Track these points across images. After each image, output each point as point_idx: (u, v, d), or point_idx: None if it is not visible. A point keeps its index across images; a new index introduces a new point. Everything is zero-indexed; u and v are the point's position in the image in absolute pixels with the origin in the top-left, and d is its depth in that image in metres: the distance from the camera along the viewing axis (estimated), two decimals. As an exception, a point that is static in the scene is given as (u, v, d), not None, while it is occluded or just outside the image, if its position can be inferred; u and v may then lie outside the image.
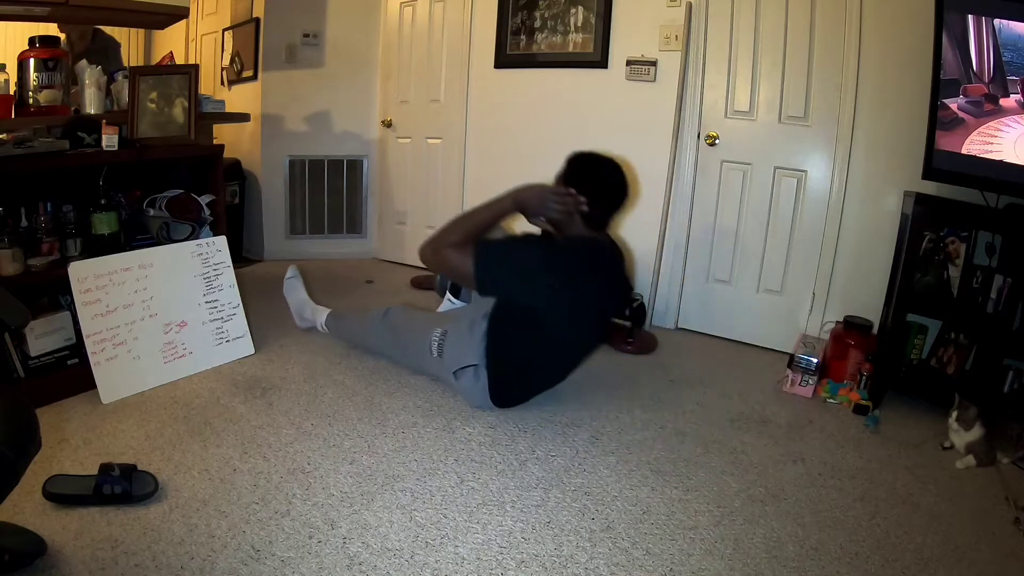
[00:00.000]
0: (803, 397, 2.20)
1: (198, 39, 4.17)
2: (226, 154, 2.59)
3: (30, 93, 2.05)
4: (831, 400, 2.17)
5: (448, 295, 2.22)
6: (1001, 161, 1.97)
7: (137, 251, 2.01)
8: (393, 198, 3.78)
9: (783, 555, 1.38)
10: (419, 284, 3.31)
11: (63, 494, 1.39)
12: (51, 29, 2.60)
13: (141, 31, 4.06)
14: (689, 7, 2.63)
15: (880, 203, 2.42)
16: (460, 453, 1.72)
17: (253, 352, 2.26)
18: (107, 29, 3.03)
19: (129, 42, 4.18)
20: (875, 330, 2.36)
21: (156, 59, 4.10)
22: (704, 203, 2.77)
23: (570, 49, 2.98)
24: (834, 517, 1.53)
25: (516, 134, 3.20)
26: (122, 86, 2.26)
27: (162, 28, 3.16)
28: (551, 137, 3.00)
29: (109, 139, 2.02)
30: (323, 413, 1.90)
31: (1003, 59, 1.92)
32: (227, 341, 2.19)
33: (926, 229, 2.09)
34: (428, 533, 1.38)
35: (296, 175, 3.74)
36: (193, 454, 1.63)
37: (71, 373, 1.91)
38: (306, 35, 3.59)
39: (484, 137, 3.36)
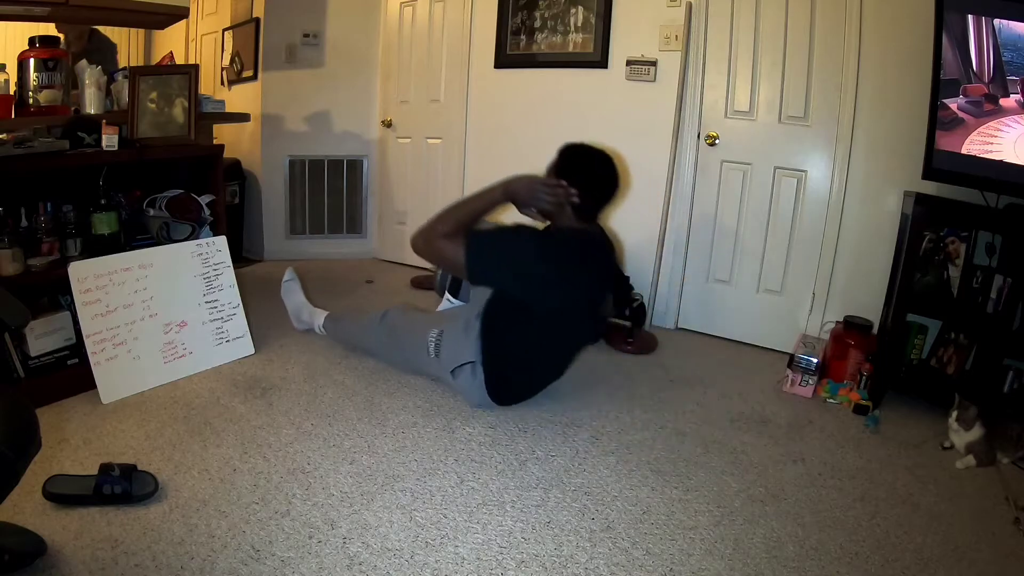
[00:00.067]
0: (803, 397, 2.20)
1: (198, 39, 4.17)
2: (226, 154, 2.59)
3: (30, 93, 2.05)
4: (831, 400, 2.17)
5: (447, 295, 2.22)
6: (1001, 161, 1.97)
7: (137, 251, 2.01)
8: (393, 198, 3.78)
9: (783, 555, 1.38)
10: (419, 284, 3.31)
11: (63, 494, 1.39)
12: (51, 29, 2.61)
13: (141, 31, 4.06)
14: (689, 7, 2.63)
15: (880, 203, 2.42)
16: (460, 453, 1.72)
17: (253, 352, 2.26)
18: (105, 31, 3.03)
19: (129, 42, 4.19)
20: (875, 330, 2.36)
21: (156, 59, 4.10)
22: (704, 203, 2.77)
23: (570, 49, 2.98)
24: (834, 517, 1.53)
25: (516, 134, 3.20)
26: (122, 86, 2.26)
27: (162, 28, 3.16)
28: (551, 137, 2.97)
29: (109, 139, 2.02)
30: (323, 413, 1.90)
31: (1003, 59, 1.92)
32: (227, 341, 2.19)
33: (926, 229, 2.09)
34: (428, 533, 1.38)
35: (296, 175, 3.74)
36: (193, 454, 1.63)
37: (71, 373, 1.91)
38: (306, 35, 3.59)
39: (484, 137, 3.36)
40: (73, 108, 2.16)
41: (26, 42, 2.07)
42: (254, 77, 3.61)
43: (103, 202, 2.02)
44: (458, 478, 1.60)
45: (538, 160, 1.99)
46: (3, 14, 2.20)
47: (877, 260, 2.42)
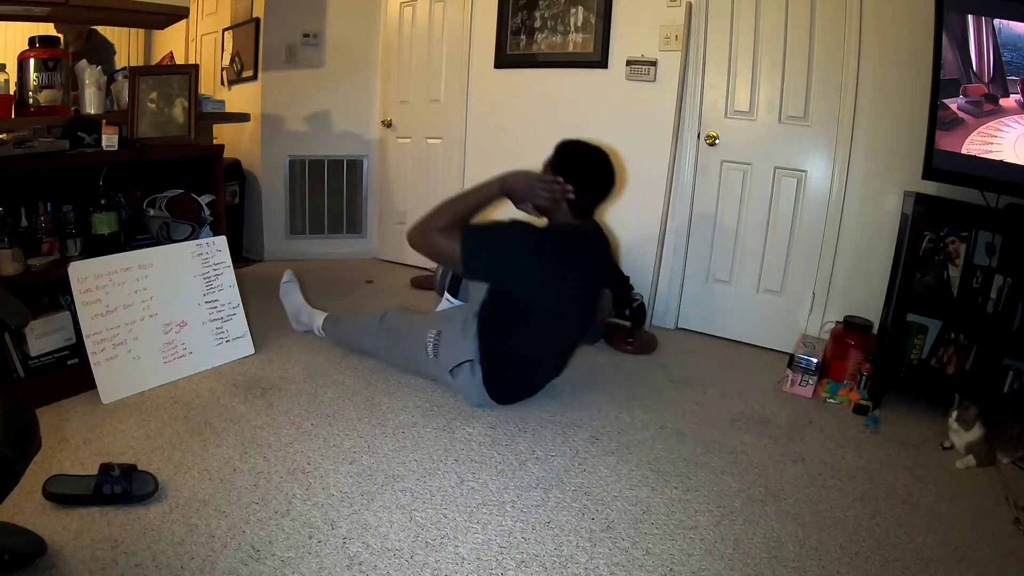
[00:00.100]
0: (803, 397, 2.20)
1: (198, 39, 4.17)
2: (226, 154, 2.59)
3: (30, 93, 2.05)
4: (831, 400, 2.17)
5: (446, 295, 2.22)
6: (1001, 161, 1.97)
7: (137, 251, 2.01)
8: (393, 198, 3.78)
9: (783, 555, 1.38)
10: (419, 284, 3.31)
11: (63, 494, 1.39)
12: (51, 29, 2.61)
13: (141, 31, 4.06)
14: (689, 7, 2.63)
15: (880, 203, 2.42)
16: (460, 453, 1.72)
17: (253, 352, 2.26)
18: (104, 31, 3.03)
19: (129, 42, 4.19)
20: (875, 330, 2.36)
21: (156, 59, 4.10)
22: (704, 203, 2.77)
23: (570, 49, 2.98)
24: (834, 517, 1.53)
25: (516, 134, 3.20)
26: (122, 86, 2.26)
27: (162, 28, 3.16)
28: (551, 137, 2.97)
29: (109, 139, 2.02)
30: (323, 413, 1.90)
31: (1003, 59, 1.92)
32: (227, 341, 2.19)
33: (926, 229, 2.09)
34: (428, 533, 1.38)
35: (296, 175, 3.74)
36: (193, 454, 1.63)
37: (71, 373, 1.90)
38: (306, 35, 3.59)
39: (484, 137, 3.36)
40: (73, 108, 2.16)
41: (26, 42, 2.07)
42: (254, 77, 3.61)
43: (103, 202, 2.02)
44: (458, 478, 1.60)
45: (538, 160, 1.99)
46: (3, 14, 2.20)
47: (877, 260, 2.42)
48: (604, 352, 2.54)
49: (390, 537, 1.36)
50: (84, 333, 1.85)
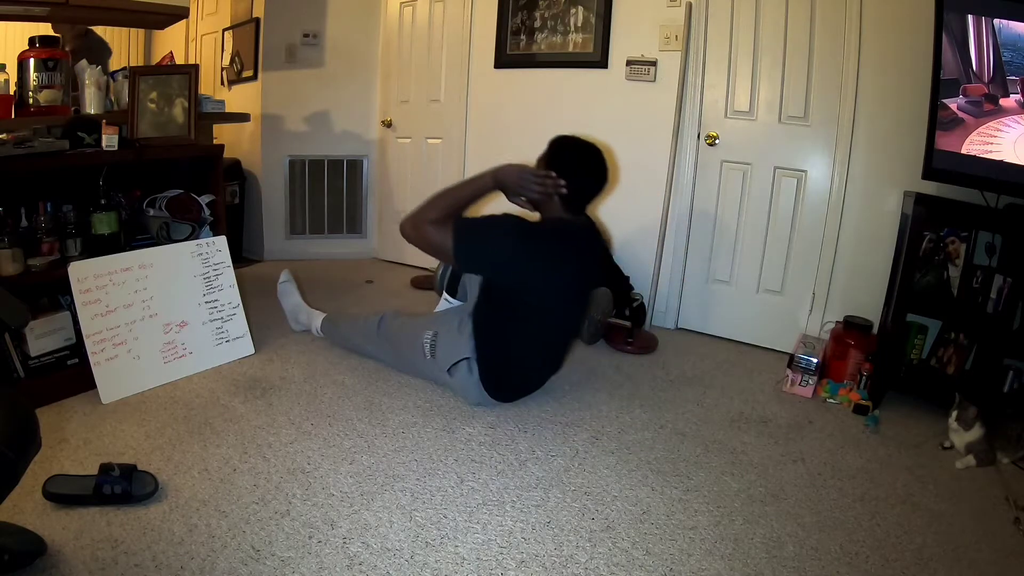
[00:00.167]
0: (803, 397, 2.20)
1: (198, 39, 4.16)
2: (226, 154, 2.59)
3: (30, 93, 2.05)
4: (831, 400, 2.17)
5: (445, 294, 2.22)
6: (1001, 161, 1.97)
7: (137, 251, 2.01)
8: (393, 198, 3.78)
9: (783, 555, 1.38)
10: (419, 284, 3.31)
11: (63, 494, 1.39)
12: (51, 29, 2.61)
13: (141, 31, 4.06)
14: (689, 7, 2.63)
15: (880, 203, 2.42)
16: (460, 453, 1.72)
17: (253, 352, 2.26)
18: (105, 31, 3.03)
19: (129, 42, 4.19)
20: (875, 330, 2.36)
21: (156, 59, 4.10)
22: (704, 203, 2.77)
23: (570, 49, 2.98)
24: (834, 517, 1.53)
25: (516, 134, 3.19)
26: (122, 86, 2.26)
27: (162, 28, 3.16)
28: (551, 137, 3.00)
29: (109, 139, 2.02)
30: (323, 413, 1.90)
31: (1003, 59, 1.92)
32: (227, 341, 2.19)
33: (926, 229, 2.09)
34: (428, 533, 1.38)
35: (296, 175, 3.74)
36: (193, 454, 1.63)
37: (71, 373, 1.90)
38: (306, 35, 3.59)
39: (484, 137, 3.36)
40: (73, 108, 2.16)
41: (26, 42, 2.07)
42: (254, 77, 3.61)
43: (103, 202, 2.02)
44: (458, 478, 1.60)
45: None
46: (3, 14, 2.20)
47: (877, 260, 2.42)
48: (604, 352, 2.54)
49: (390, 537, 1.36)
50: (84, 333, 1.85)
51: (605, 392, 2.17)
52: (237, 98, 3.69)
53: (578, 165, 1.91)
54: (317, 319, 2.42)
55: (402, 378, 2.15)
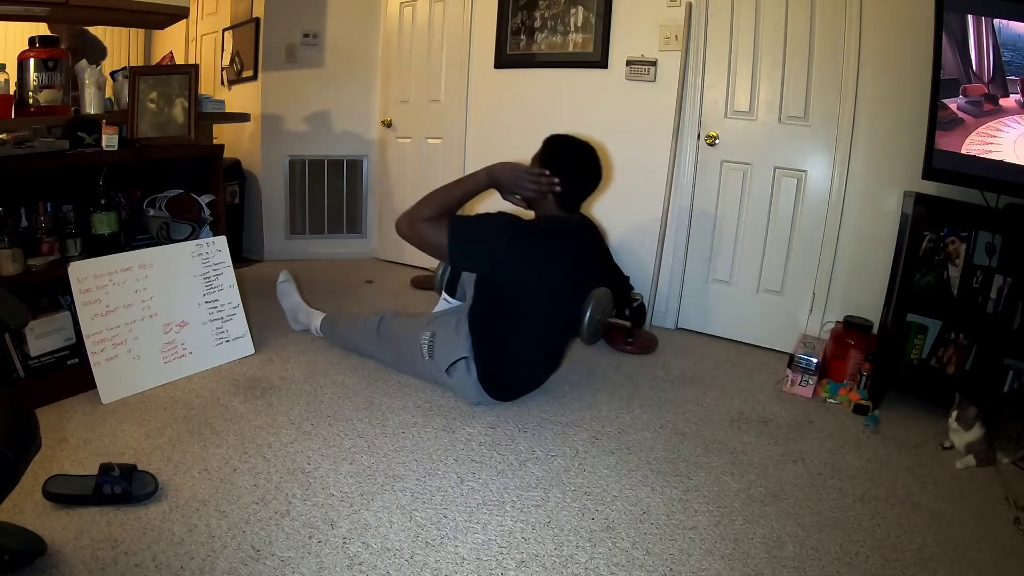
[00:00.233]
0: (803, 397, 2.20)
1: (198, 39, 4.16)
2: (226, 154, 2.59)
3: (30, 93, 2.05)
4: (831, 400, 2.17)
5: (444, 294, 2.23)
6: (1001, 161, 1.97)
7: (137, 251, 2.01)
8: (393, 198, 3.78)
9: (783, 555, 1.38)
10: (419, 284, 3.31)
11: (63, 494, 1.39)
12: (46, 28, 2.60)
13: (141, 31, 4.06)
14: (689, 7, 2.63)
15: (880, 203, 2.42)
16: (460, 453, 1.72)
17: (253, 352, 2.26)
18: (105, 31, 3.03)
19: (129, 42, 4.19)
20: (875, 330, 2.36)
21: (156, 59, 4.10)
22: (704, 203, 2.77)
23: (570, 49, 2.98)
24: (834, 517, 1.53)
25: (516, 134, 3.19)
26: (122, 86, 2.26)
27: (162, 28, 3.16)
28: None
29: (109, 139, 2.02)
30: (323, 413, 1.90)
31: (1003, 59, 1.92)
32: (227, 341, 2.19)
33: (926, 229, 2.09)
34: (428, 533, 1.38)
35: (296, 175, 3.74)
36: (193, 454, 1.63)
37: (71, 373, 1.90)
38: (306, 35, 3.59)
39: (484, 137, 3.36)
40: (73, 108, 2.16)
41: (26, 42, 2.07)
42: (254, 77, 3.61)
43: (103, 202, 2.02)
44: (458, 478, 1.60)
45: (538, 160, 2.00)
46: (3, 14, 2.20)
47: (877, 260, 2.42)
48: (604, 352, 2.54)
49: (390, 537, 1.36)
50: (84, 333, 1.85)
51: (605, 392, 2.17)
52: (237, 98, 3.69)
53: (572, 163, 1.92)
54: (316, 319, 2.42)
55: (402, 378, 2.15)
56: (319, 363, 2.25)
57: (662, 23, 2.71)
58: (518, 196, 1.92)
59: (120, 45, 4.12)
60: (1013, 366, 2.03)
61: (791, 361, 2.24)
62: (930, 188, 2.20)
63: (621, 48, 2.85)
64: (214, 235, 2.27)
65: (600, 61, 2.89)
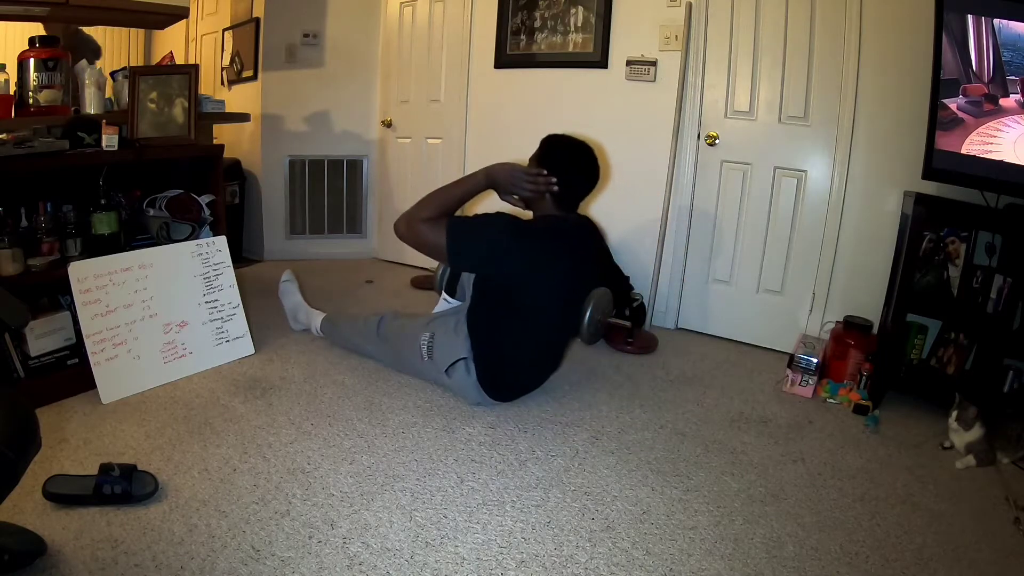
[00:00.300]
0: (803, 397, 2.20)
1: (198, 39, 4.16)
2: (226, 154, 2.59)
3: (30, 93, 2.05)
4: (831, 400, 2.17)
5: (444, 295, 2.23)
6: (1001, 161, 1.97)
7: (137, 251, 2.01)
8: (393, 198, 3.78)
9: (783, 555, 1.38)
10: (419, 284, 3.31)
11: (63, 494, 1.39)
12: (51, 28, 2.60)
13: (141, 31, 4.06)
14: (689, 7, 2.63)
15: (880, 203, 2.42)
16: (460, 453, 1.72)
17: (253, 352, 2.26)
18: (104, 30, 3.03)
19: (129, 42, 4.19)
20: (875, 330, 2.36)
21: (156, 59, 4.10)
22: (704, 203, 2.77)
23: (570, 49, 2.98)
24: (834, 517, 1.53)
25: (516, 134, 3.18)
26: (122, 86, 2.26)
27: (162, 28, 3.16)
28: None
29: (109, 139, 2.02)
30: (323, 413, 1.90)
31: (1003, 59, 1.92)
32: (227, 341, 2.19)
33: (926, 229, 2.09)
34: (428, 533, 1.38)
35: (296, 175, 3.74)
36: (193, 454, 1.63)
37: (71, 373, 1.90)
38: (306, 35, 3.59)
39: (484, 137, 3.36)
40: (73, 108, 2.16)
41: (26, 42, 2.07)
42: (254, 77, 3.61)
43: (103, 202, 2.02)
44: (458, 478, 1.60)
45: (538, 160, 2.00)
46: (3, 14, 2.20)
47: (877, 260, 2.42)
48: (604, 352, 2.54)
49: (390, 537, 1.36)
50: (84, 333, 1.85)
51: (605, 392, 2.17)
52: (237, 98, 3.69)
53: (569, 163, 1.93)
54: (317, 319, 2.42)
55: (402, 378, 2.15)
56: (319, 363, 2.25)
57: (662, 23, 2.71)
58: (516, 196, 1.93)
59: (120, 45, 4.12)
60: (1013, 366, 2.03)
61: (791, 361, 2.24)
62: (930, 188, 2.20)
63: (621, 48, 2.85)
64: (214, 235, 2.27)
65: (600, 61, 2.89)
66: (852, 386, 2.19)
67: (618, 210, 2.92)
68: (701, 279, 2.84)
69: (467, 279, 2.08)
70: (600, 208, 2.92)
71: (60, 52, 2.10)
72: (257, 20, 3.55)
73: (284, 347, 2.36)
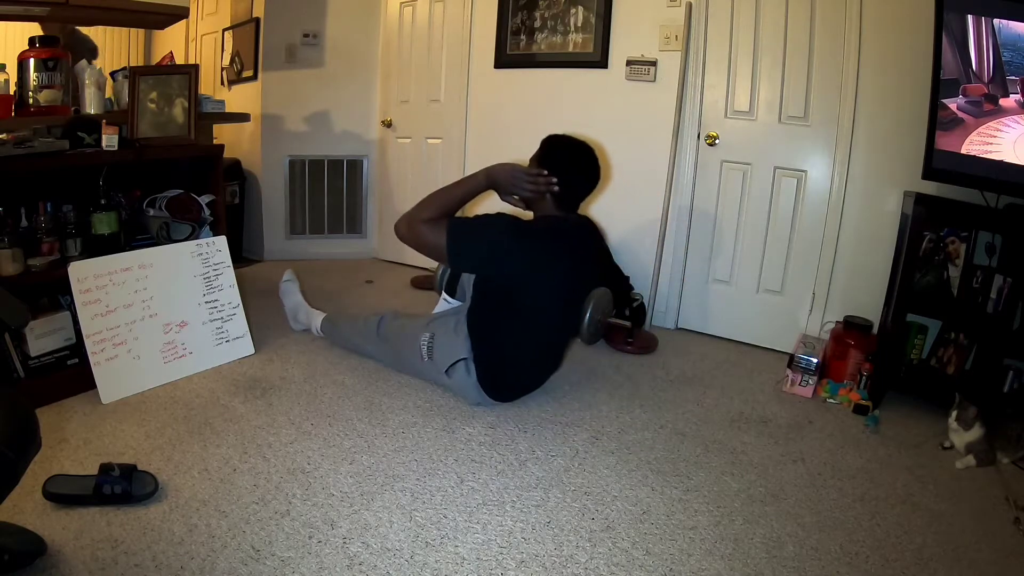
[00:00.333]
0: (803, 397, 2.20)
1: (198, 39, 4.16)
2: (226, 154, 2.59)
3: (30, 93, 2.05)
4: (831, 400, 2.17)
5: (444, 295, 2.23)
6: (1001, 161, 1.97)
7: (137, 251, 2.01)
8: (393, 198, 3.78)
9: (783, 555, 1.38)
10: (419, 284, 3.31)
11: (63, 494, 1.39)
12: (50, 29, 2.60)
13: (141, 31, 4.06)
14: (689, 7, 2.63)
15: (880, 203, 2.42)
16: (460, 453, 1.72)
17: (253, 352, 2.26)
18: (105, 32, 3.03)
19: (129, 42, 4.19)
20: (875, 330, 2.36)
21: (156, 59, 4.10)
22: (704, 203, 2.77)
23: (570, 49, 2.98)
24: (834, 517, 1.53)
25: (516, 134, 3.19)
26: (122, 86, 2.26)
27: (162, 28, 3.16)
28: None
29: (109, 139, 2.02)
30: (323, 413, 1.90)
31: (1003, 59, 1.92)
32: (227, 341, 2.19)
33: (926, 229, 2.09)
34: (428, 533, 1.38)
35: (296, 175, 3.74)
36: (193, 454, 1.63)
37: (71, 373, 1.90)
38: (306, 35, 3.59)
39: (484, 137, 3.36)
40: (73, 108, 2.16)
41: (26, 42, 2.07)
42: (254, 77, 3.61)
43: (103, 202, 2.02)
44: (458, 478, 1.60)
45: (538, 160, 2.00)
46: (3, 14, 2.20)
47: (877, 260, 2.42)
48: (604, 352, 2.54)
49: (390, 537, 1.36)
50: (84, 333, 1.85)
51: (605, 392, 2.17)
52: (237, 98, 3.69)
53: (570, 163, 1.93)
54: (317, 319, 2.42)
55: (402, 378, 2.15)
56: (319, 363, 2.25)
57: (662, 23, 2.71)
58: (516, 197, 1.92)
59: (120, 45, 4.12)
60: (1013, 366, 2.03)
61: (791, 361, 2.24)
62: (930, 188, 2.20)
63: (621, 48, 2.85)
64: (214, 235, 2.27)
65: (600, 61, 2.89)
66: (852, 386, 2.19)
67: (618, 210, 2.92)
68: (701, 279, 2.84)
69: (467, 279, 2.08)
70: (600, 208, 2.92)
71: (60, 52, 2.10)
72: (257, 20, 3.55)
73: (284, 347, 2.36)
